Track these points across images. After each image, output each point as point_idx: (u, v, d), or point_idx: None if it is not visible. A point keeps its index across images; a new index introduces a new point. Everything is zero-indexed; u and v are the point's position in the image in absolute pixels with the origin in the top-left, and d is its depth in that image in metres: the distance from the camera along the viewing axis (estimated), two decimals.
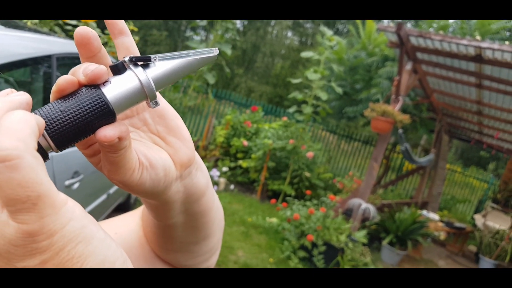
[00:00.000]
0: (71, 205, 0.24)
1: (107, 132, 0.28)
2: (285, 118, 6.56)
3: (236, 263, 3.82)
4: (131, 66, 0.30)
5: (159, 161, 0.35)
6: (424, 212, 6.50)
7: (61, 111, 0.27)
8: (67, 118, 0.27)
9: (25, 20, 3.35)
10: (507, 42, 3.95)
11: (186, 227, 0.44)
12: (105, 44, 4.99)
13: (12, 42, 1.68)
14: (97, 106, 0.28)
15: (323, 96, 5.60)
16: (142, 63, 0.31)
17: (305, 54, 6.05)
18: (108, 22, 0.34)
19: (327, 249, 4.12)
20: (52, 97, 0.29)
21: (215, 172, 6.01)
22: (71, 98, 0.28)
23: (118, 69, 0.30)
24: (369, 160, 7.62)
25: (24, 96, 0.26)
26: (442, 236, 6.35)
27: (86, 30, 0.30)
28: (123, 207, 3.98)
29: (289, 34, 26.93)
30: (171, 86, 6.96)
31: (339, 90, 6.05)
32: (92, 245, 0.24)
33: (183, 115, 7.08)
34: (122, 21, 0.34)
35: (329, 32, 5.91)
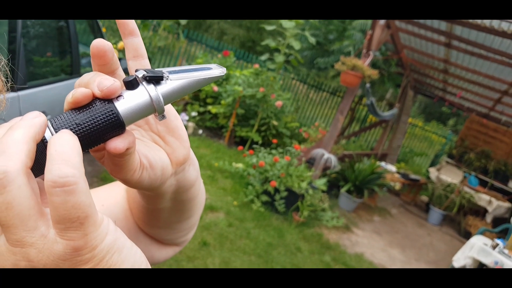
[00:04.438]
0: (106, 222, 0.28)
1: (117, 145, 0.31)
2: (256, 66, 6.52)
3: None
4: (143, 83, 0.32)
5: (158, 161, 0.37)
6: (383, 163, 6.85)
7: (76, 124, 0.29)
8: (82, 130, 0.29)
9: None
10: None
11: (172, 210, 0.48)
12: None
13: None
14: (110, 120, 0.30)
15: (296, 45, 5.57)
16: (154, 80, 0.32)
17: None
18: (119, 22, 0.35)
19: (289, 194, 4.34)
20: (66, 106, 0.31)
21: (184, 116, 6.00)
22: (85, 111, 0.30)
23: (131, 84, 0.31)
24: (335, 111, 7.78)
25: (41, 118, 0.28)
26: (397, 186, 6.78)
27: (103, 43, 0.31)
28: None
29: None
30: (140, 24, 6.66)
31: (312, 40, 6.02)
32: (124, 254, 0.28)
33: (152, 56, 6.86)
34: (133, 21, 0.35)
35: None
